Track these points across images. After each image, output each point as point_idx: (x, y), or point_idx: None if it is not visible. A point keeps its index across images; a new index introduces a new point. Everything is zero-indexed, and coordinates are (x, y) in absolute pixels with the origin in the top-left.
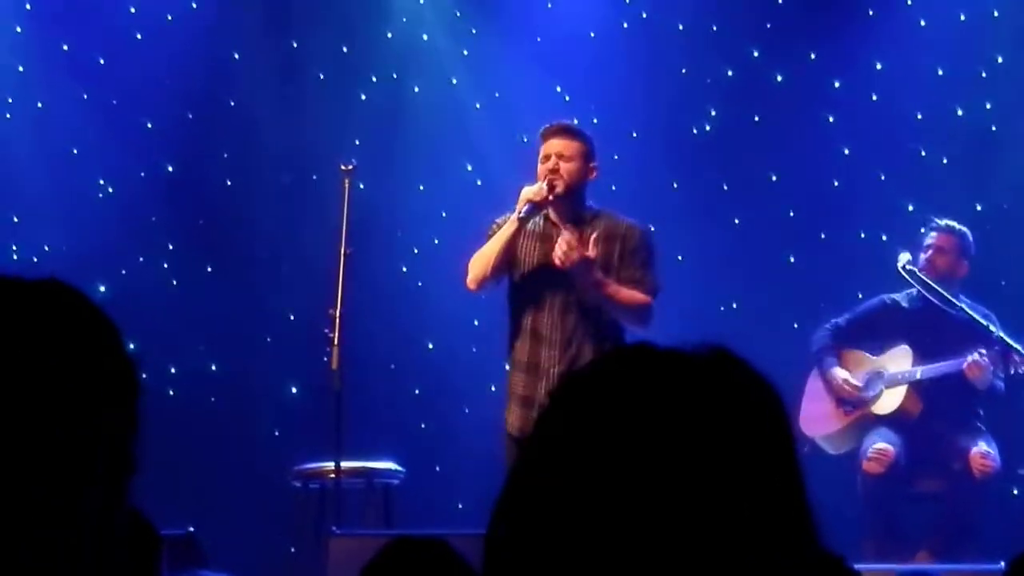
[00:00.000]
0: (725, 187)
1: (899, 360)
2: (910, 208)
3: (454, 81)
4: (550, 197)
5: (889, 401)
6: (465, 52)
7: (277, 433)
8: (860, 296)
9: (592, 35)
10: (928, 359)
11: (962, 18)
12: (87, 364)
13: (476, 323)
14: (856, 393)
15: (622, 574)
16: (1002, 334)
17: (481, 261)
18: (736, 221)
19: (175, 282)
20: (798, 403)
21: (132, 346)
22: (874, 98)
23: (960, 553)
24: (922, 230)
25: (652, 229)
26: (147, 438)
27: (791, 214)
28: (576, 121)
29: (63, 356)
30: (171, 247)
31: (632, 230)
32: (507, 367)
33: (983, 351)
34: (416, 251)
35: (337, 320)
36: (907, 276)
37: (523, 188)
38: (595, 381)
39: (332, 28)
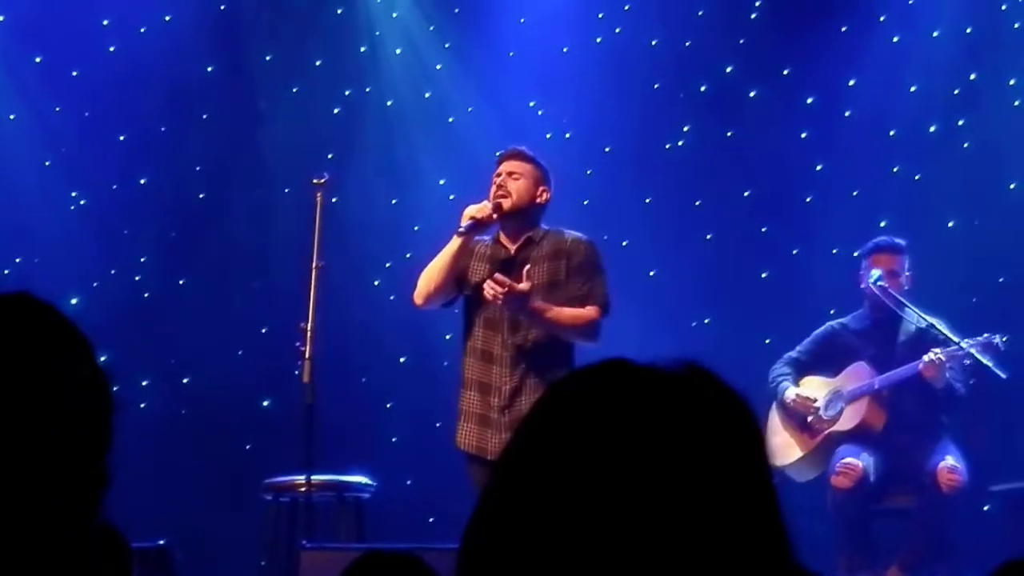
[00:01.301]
0: (698, 202)
1: (857, 376)
2: (883, 224)
3: (427, 95)
4: (494, 215)
5: (851, 416)
6: (438, 67)
7: (249, 446)
8: (832, 312)
9: (565, 50)
10: (885, 372)
11: (935, 35)
12: (60, 377)
13: (448, 337)
14: (811, 405)
15: None
16: (950, 334)
17: (425, 278)
18: (709, 236)
19: (147, 295)
20: (764, 425)
21: (104, 359)
22: (847, 114)
23: (931, 569)
24: (856, 254)
25: (595, 243)
26: (119, 451)
27: (764, 230)
28: (549, 135)
29: (35, 369)
30: (143, 260)
31: (577, 244)
32: (460, 385)
33: (938, 351)
34: (388, 265)
35: (309, 334)
36: (879, 293)
37: (467, 207)
38: (571, 398)
39: (306, 42)
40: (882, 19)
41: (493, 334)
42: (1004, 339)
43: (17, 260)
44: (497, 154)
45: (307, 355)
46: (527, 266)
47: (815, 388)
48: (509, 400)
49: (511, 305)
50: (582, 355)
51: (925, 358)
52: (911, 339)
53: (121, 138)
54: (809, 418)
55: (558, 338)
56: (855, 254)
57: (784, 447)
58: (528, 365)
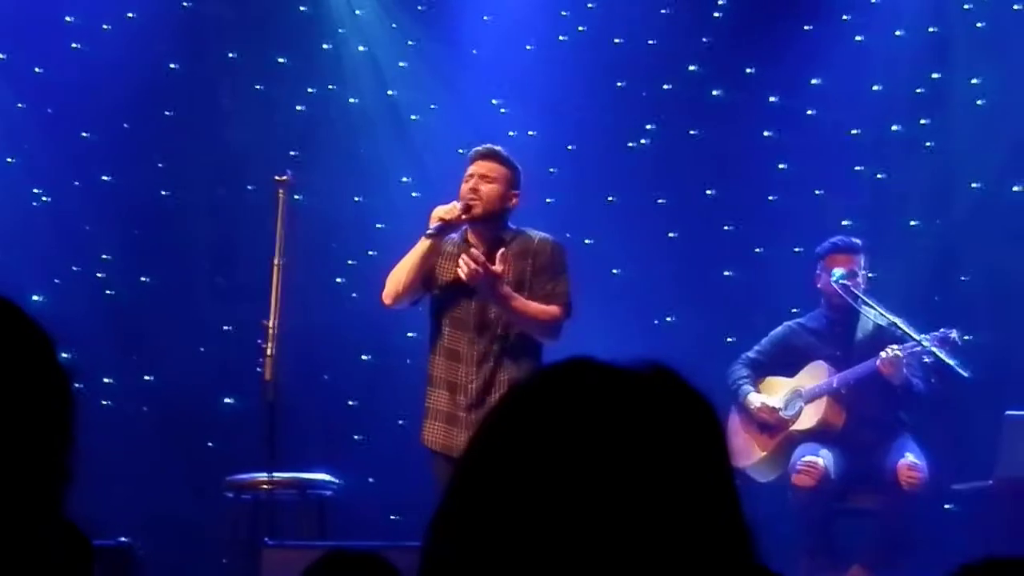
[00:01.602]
0: (661, 201)
1: (815, 375)
2: (845, 223)
3: (391, 93)
4: (463, 216)
5: (811, 415)
6: (402, 64)
7: (211, 444)
8: (795, 311)
9: (529, 48)
10: (843, 370)
11: (898, 34)
12: (22, 375)
13: (410, 335)
14: (776, 414)
15: None
16: (909, 330)
17: (394, 278)
18: (672, 235)
19: (110, 292)
20: (727, 424)
21: (66, 356)
22: (810, 113)
23: (894, 568)
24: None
25: (561, 244)
26: (81, 448)
27: (727, 228)
28: (512, 134)
29: None
30: (106, 257)
31: (543, 244)
32: (427, 383)
33: (895, 347)
34: (351, 263)
35: (271, 331)
36: (841, 292)
37: (436, 207)
38: (535, 395)
39: (269, 39)
40: (846, 18)
41: (460, 333)
42: (962, 335)
43: None
44: (470, 151)
45: (269, 353)
46: (501, 249)
47: (774, 388)
48: (476, 399)
49: (483, 285)
50: (549, 355)
51: (882, 354)
52: (869, 337)
53: (84, 135)
54: (767, 423)
55: (525, 337)
56: (817, 251)
57: (745, 448)
58: (495, 364)
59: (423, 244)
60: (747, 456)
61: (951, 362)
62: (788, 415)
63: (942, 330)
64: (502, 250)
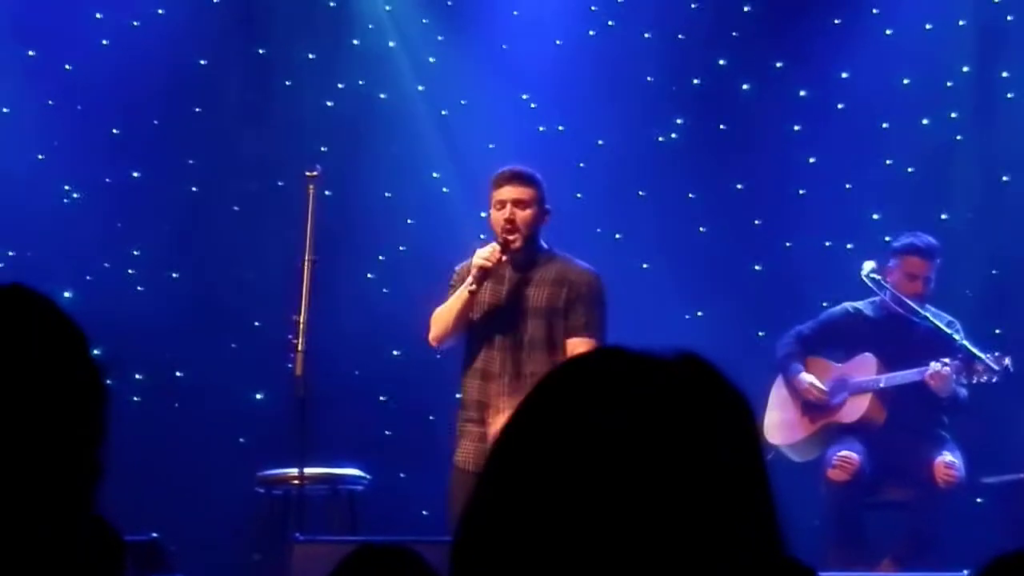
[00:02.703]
0: (691, 195)
1: (863, 368)
2: (875, 217)
3: (420, 88)
4: (503, 258)
5: (853, 409)
6: (431, 60)
7: (242, 440)
8: (825, 304)
9: (558, 43)
10: (892, 367)
11: (928, 28)
12: (55, 371)
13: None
14: (823, 397)
15: None
16: (966, 342)
17: (440, 322)
18: (702, 229)
19: (140, 288)
20: (762, 412)
21: (97, 352)
22: (840, 107)
23: (924, 562)
24: (897, 241)
25: (600, 278)
26: (112, 444)
27: (756, 223)
28: (542, 129)
29: (31, 362)
30: (136, 253)
31: (582, 275)
32: (460, 407)
33: (946, 360)
34: (381, 258)
35: (302, 327)
36: (872, 285)
37: (476, 253)
38: (568, 384)
39: (299, 35)
40: (875, 12)
41: (494, 353)
42: (1015, 362)
43: (10, 254)
44: (493, 177)
45: (300, 348)
46: (532, 290)
47: (820, 370)
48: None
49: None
50: None
51: (931, 367)
52: (924, 339)
53: (114, 132)
54: (812, 405)
55: (559, 356)
56: (887, 239)
57: (785, 426)
58: (528, 386)
59: (464, 295)
60: (787, 434)
61: (982, 356)
62: (832, 403)
63: (997, 354)
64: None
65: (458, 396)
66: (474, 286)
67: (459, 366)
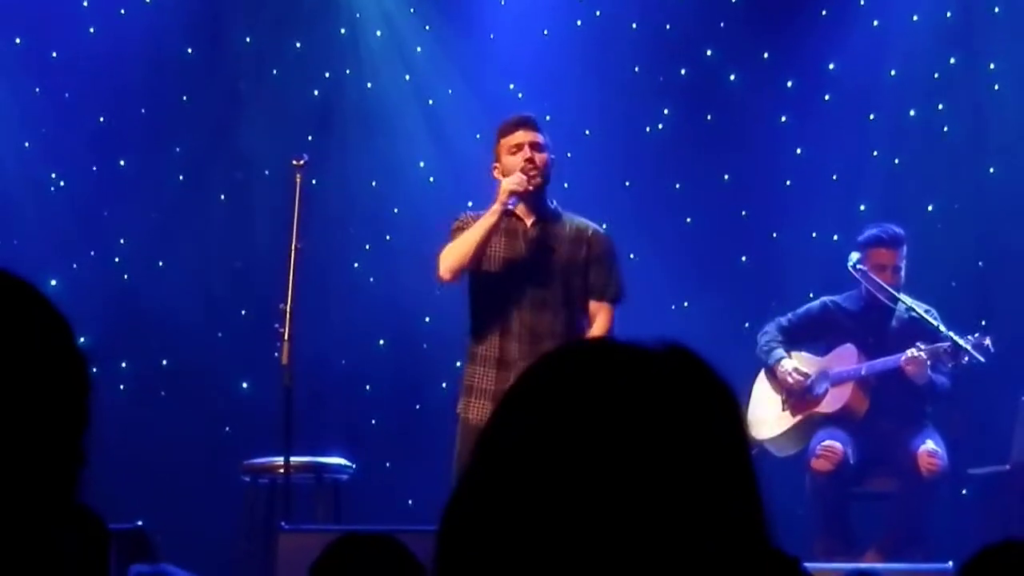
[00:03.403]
0: (677, 186)
1: (844, 359)
2: (862, 208)
3: (407, 78)
4: (531, 187)
5: (835, 399)
6: (419, 49)
7: (228, 428)
8: (811, 296)
9: (545, 33)
10: (873, 357)
11: (915, 19)
12: (38, 358)
13: (427, 320)
14: (805, 382)
15: (575, 571)
16: (944, 327)
17: (459, 251)
18: (688, 220)
19: (127, 276)
20: (745, 406)
21: (83, 340)
22: (827, 98)
23: (909, 553)
24: (862, 234)
25: (611, 238)
26: (97, 432)
27: (743, 214)
28: None
29: (13, 349)
30: (123, 241)
31: (598, 235)
32: (467, 361)
33: (921, 345)
34: (368, 247)
35: (288, 315)
36: (858, 276)
37: (503, 181)
38: (552, 374)
39: (285, 24)
40: (862, 3)
41: (513, 310)
42: (995, 341)
43: None
44: (503, 124)
45: (286, 337)
46: (555, 245)
47: (802, 366)
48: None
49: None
50: None
51: (908, 353)
52: (903, 326)
53: (100, 120)
54: (795, 394)
55: (576, 317)
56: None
57: (766, 421)
58: (548, 342)
59: (493, 218)
60: (768, 429)
61: (968, 346)
62: (814, 395)
63: (977, 335)
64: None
65: (467, 363)
66: (510, 205)
67: (469, 320)
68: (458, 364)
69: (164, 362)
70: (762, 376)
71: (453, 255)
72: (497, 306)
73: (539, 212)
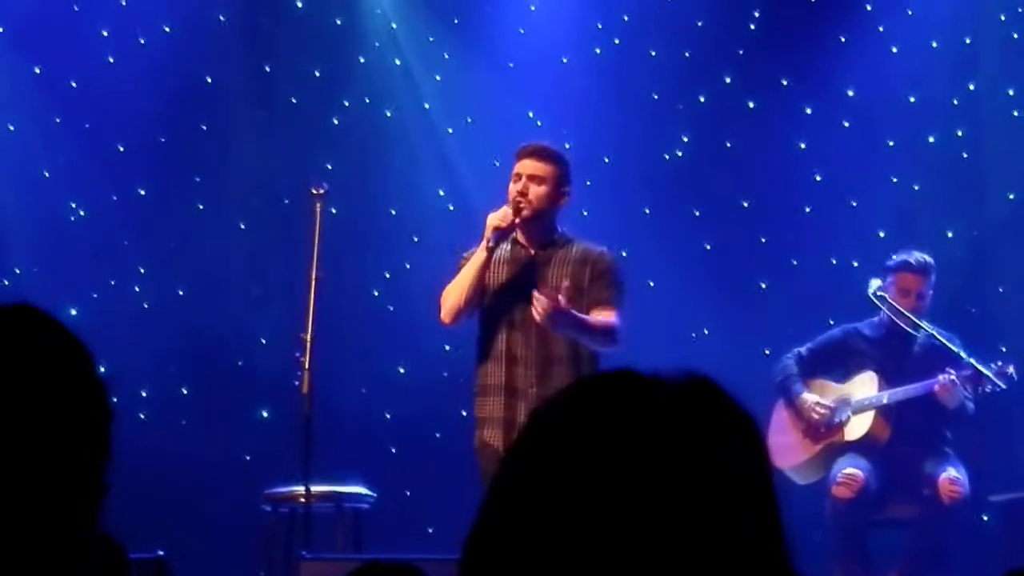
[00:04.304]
0: (697, 213)
1: (865, 386)
2: (881, 234)
3: (427, 106)
4: (516, 221)
5: (857, 427)
6: (438, 77)
7: (248, 457)
8: (831, 323)
9: (565, 61)
10: (893, 384)
11: (934, 45)
12: (60, 389)
13: (447, 348)
14: (827, 414)
15: None
16: (964, 354)
17: (454, 293)
18: (707, 247)
19: (146, 305)
20: (766, 431)
21: (103, 369)
22: (846, 125)
23: None
24: (891, 259)
25: (623, 256)
26: (118, 461)
27: (762, 240)
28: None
29: (36, 380)
30: (142, 270)
31: (602, 256)
32: (477, 393)
33: (952, 371)
34: (387, 275)
35: (308, 344)
36: (877, 303)
37: (488, 216)
38: (576, 406)
39: (304, 52)
40: (881, 29)
41: (519, 336)
42: (1018, 369)
43: (16, 271)
44: (518, 149)
45: (306, 366)
46: (565, 283)
47: (823, 392)
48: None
49: (553, 320)
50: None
51: (940, 379)
52: (924, 353)
53: (120, 149)
54: (816, 423)
55: (585, 348)
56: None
57: (787, 448)
58: (556, 368)
59: (481, 256)
60: (790, 457)
61: (989, 373)
62: (835, 423)
63: (1000, 363)
64: (565, 283)
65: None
66: (491, 243)
67: (475, 351)
68: (475, 392)
69: (184, 390)
70: (780, 405)
71: (449, 298)
72: (502, 334)
73: (543, 239)
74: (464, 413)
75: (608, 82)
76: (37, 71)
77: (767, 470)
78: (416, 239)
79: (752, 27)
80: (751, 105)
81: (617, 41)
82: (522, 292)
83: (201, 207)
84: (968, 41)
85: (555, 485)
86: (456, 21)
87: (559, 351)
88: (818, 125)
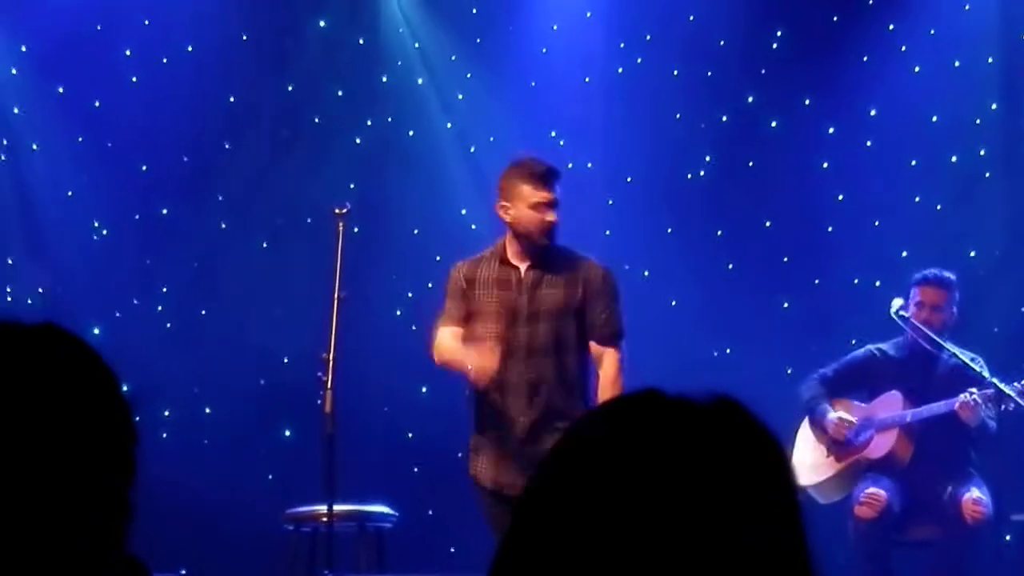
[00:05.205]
0: (719, 232)
1: (889, 406)
2: (904, 254)
3: (449, 125)
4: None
5: (880, 445)
6: (460, 96)
7: (270, 476)
8: (854, 343)
9: (587, 80)
10: (917, 404)
11: (956, 64)
12: (85, 409)
13: (469, 367)
14: (853, 426)
15: None
16: (994, 379)
17: (441, 359)
18: (730, 266)
19: (169, 325)
20: (791, 450)
21: (126, 389)
22: (868, 144)
23: None
24: (915, 278)
25: (611, 271)
26: (142, 481)
27: (785, 260)
28: (570, 165)
29: (61, 400)
30: (165, 290)
31: (595, 270)
32: (472, 420)
33: (974, 390)
34: (410, 295)
35: (330, 364)
36: (900, 322)
37: (472, 367)
38: (601, 428)
39: (327, 72)
40: (904, 49)
41: (508, 362)
42: None
43: (40, 290)
44: (531, 170)
45: (329, 385)
46: (544, 290)
47: (847, 412)
48: (529, 432)
49: None
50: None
51: (961, 398)
52: (948, 373)
53: (143, 168)
54: (839, 441)
55: (578, 364)
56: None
57: (811, 467)
58: (547, 396)
59: (466, 367)
60: (812, 476)
61: (1011, 393)
62: (858, 442)
63: (1022, 383)
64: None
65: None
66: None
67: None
68: (473, 421)
69: (207, 410)
70: (806, 424)
71: (439, 356)
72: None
73: (534, 255)
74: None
75: (630, 102)
76: (61, 91)
77: (793, 491)
78: (439, 258)
79: (774, 46)
80: (773, 124)
81: (639, 60)
82: (511, 314)
83: (224, 226)
84: (991, 60)
85: (580, 508)
86: (479, 40)
87: (550, 375)
88: (841, 144)
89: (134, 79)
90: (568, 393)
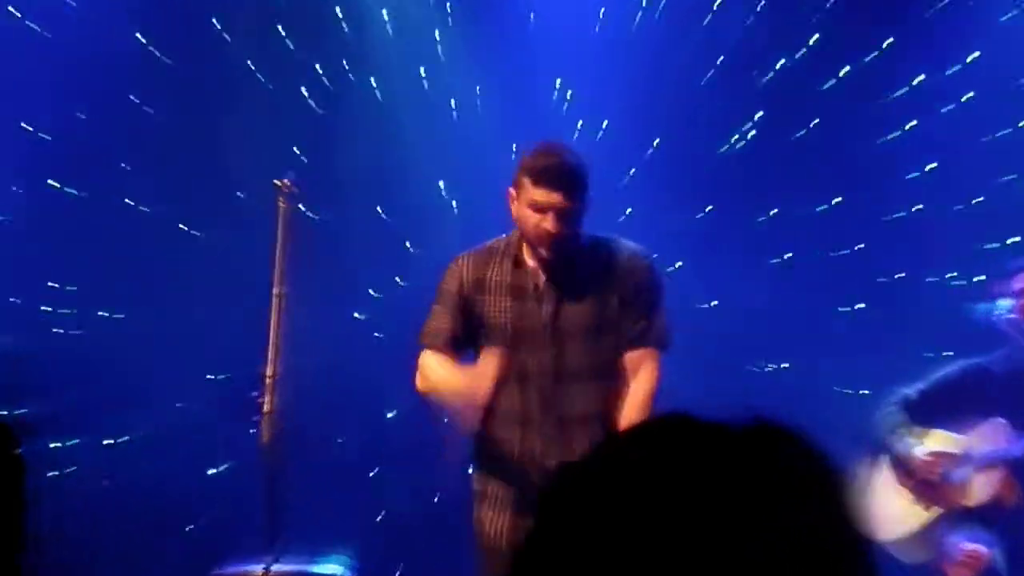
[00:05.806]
0: (767, 215)
1: (991, 437)
2: (997, 245)
3: (423, 75)
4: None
5: (980, 488)
6: (438, 36)
7: (190, 527)
8: (941, 355)
9: (602, 15)
10: None
11: None
12: None
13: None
14: (944, 473)
15: None
16: None
17: (430, 386)
18: (786, 256)
19: (58, 330)
20: (863, 494)
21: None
22: (947, 109)
23: None
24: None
25: (654, 264)
26: (23, 535)
27: (846, 252)
28: (580, 124)
29: None
30: (72, 288)
31: (634, 267)
32: (476, 459)
33: None
34: (374, 294)
35: (270, 381)
36: (1009, 329)
37: (460, 420)
38: (625, 461)
39: (274, 17)
40: None
41: (529, 394)
42: None
43: None
44: (536, 166)
45: (267, 409)
46: (568, 306)
47: (940, 446)
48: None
49: None
50: None
51: None
52: None
53: (30, 131)
54: (930, 483)
55: (602, 391)
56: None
57: (892, 517)
58: (571, 431)
59: (458, 402)
60: (894, 527)
61: None
62: (953, 483)
63: None
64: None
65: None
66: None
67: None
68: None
69: (107, 441)
70: (885, 460)
71: (425, 382)
72: (512, 388)
73: (558, 259)
74: (471, 471)
75: (652, 55)
76: None
77: (855, 538)
78: (409, 245)
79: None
80: (829, 85)
81: (664, 4)
82: (529, 332)
83: (130, 203)
84: None
85: (605, 544)
86: None
87: (584, 408)
88: (916, 110)
89: (34, 26)
90: (595, 427)
